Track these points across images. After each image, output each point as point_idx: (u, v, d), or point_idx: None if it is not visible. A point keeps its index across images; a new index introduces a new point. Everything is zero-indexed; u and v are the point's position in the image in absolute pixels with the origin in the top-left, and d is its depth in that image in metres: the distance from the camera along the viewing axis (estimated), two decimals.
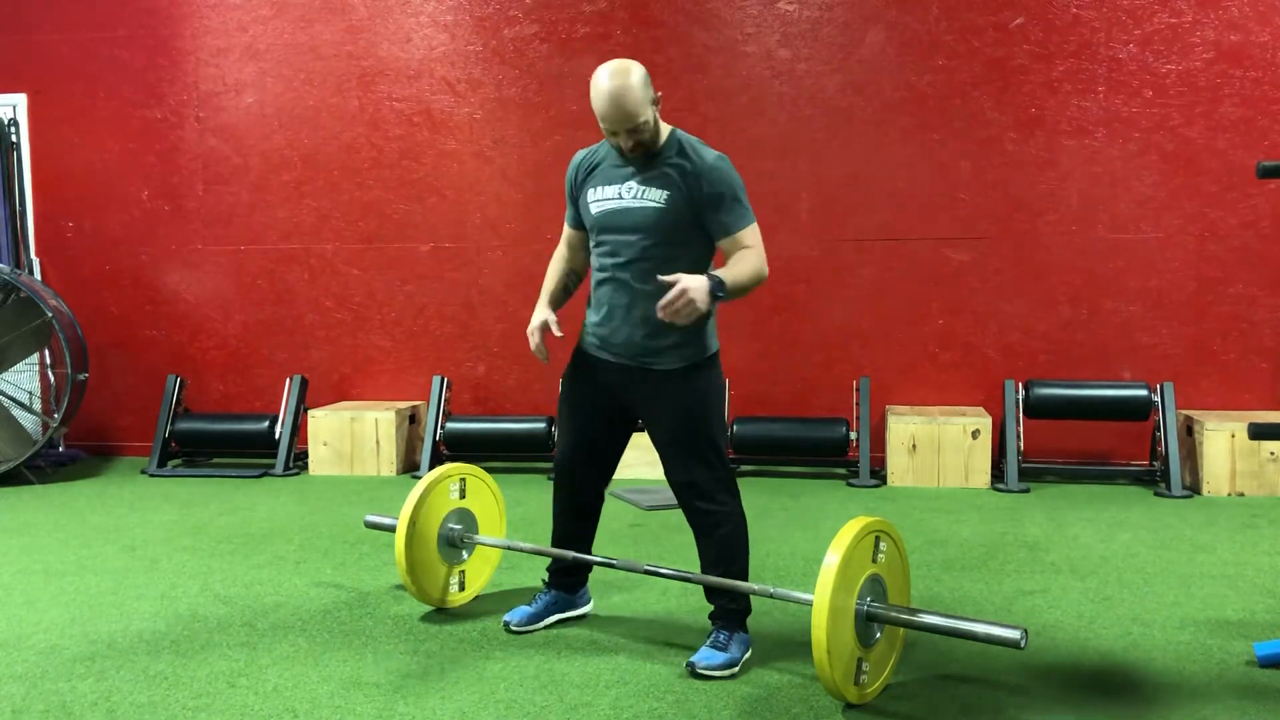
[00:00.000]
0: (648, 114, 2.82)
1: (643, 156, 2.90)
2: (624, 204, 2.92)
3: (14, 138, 6.40)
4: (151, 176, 6.46)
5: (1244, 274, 5.61)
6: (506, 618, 3.26)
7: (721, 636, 2.95)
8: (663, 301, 2.69)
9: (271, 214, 6.37)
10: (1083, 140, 5.69)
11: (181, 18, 6.36)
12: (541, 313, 3.10)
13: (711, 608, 3.05)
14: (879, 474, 5.71)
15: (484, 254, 6.22)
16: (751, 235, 2.89)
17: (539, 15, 6.06)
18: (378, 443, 5.93)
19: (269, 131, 6.34)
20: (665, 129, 2.94)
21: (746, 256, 2.85)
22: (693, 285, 2.67)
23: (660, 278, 2.75)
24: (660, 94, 2.90)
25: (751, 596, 3.02)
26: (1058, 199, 5.73)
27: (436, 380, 6.07)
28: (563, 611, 3.32)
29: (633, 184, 2.92)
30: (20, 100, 6.49)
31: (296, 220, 6.35)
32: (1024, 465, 5.53)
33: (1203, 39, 5.56)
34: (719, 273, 2.76)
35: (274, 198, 6.36)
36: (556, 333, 3.03)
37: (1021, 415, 5.53)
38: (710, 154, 2.91)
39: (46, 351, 6.24)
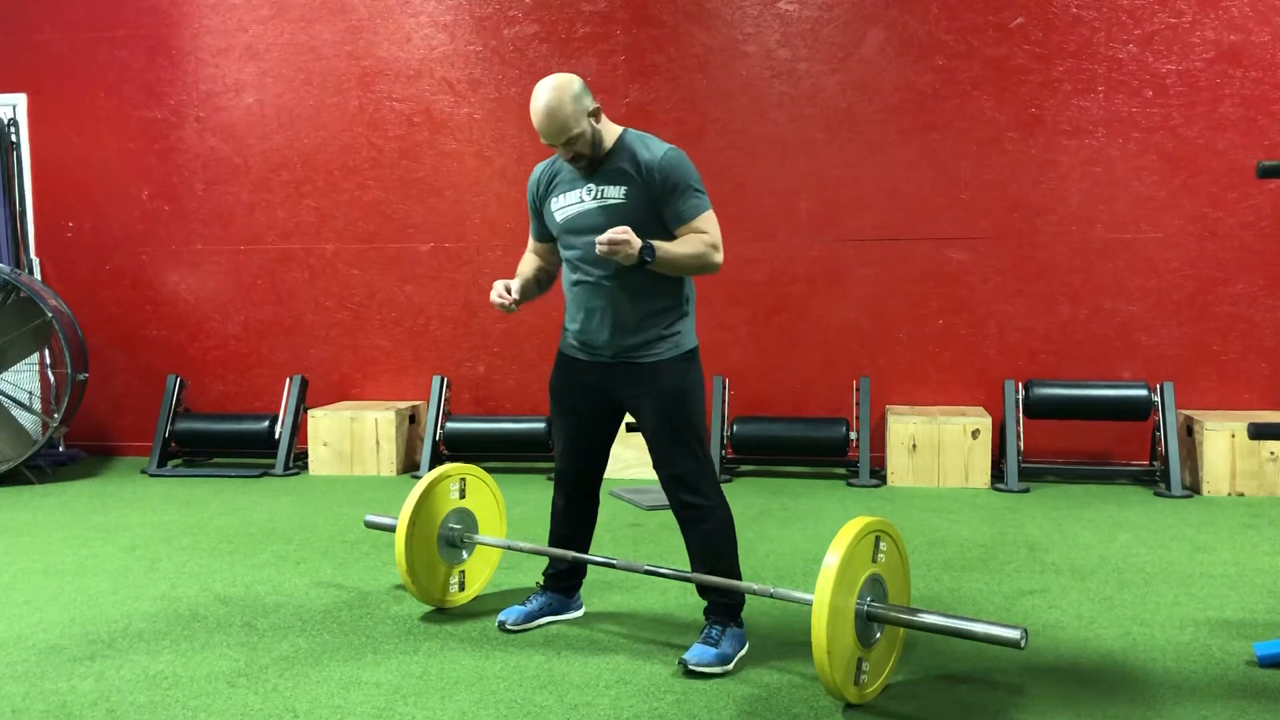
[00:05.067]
0: (581, 126, 2.91)
1: (590, 161, 2.98)
2: (585, 206, 3.00)
3: (14, 138, 6.40)
4: (151, 176, 6.46)
5: (1244, 274, 5.61)
6: (501, 617, 3.28)
7: (714, 632, 2.97)
8: (605, 235, 2.81)
9: (271, 214, 6.37)
10: (1083, 140, 5.69)
11: (181, 18, 6.36)
12: (511, 280, 3.10)
13: (705, 603, 3.07)
14: (879, 474, 5.71)
15: (484, 254, 6.22)
16: (705, 222, 2.97)
17: (539, 15, 6.06)
18: (378, 443, 5.93)
19: (269, 131, 6.34)
20: (615, 131, 3.02)
21: (694, 239, 2.94)
22: (632, 238, 2.81)
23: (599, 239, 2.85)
24: (598, 105, 2.96)
25: (749, 595, 3.03)
26: (1058, 199, 5.73)
27: (436, 380, 6.07)
28: (556, 614, 3.34)
29: (591, 186, 3.00)
30: (20, 100, 6.49)
31: (296, 220, 6.35)
32: (1024, 465, 5.52)
33: (1203, 39, 5.56)
34: (654, 241, 2.87)
35: (274, 198, 6.36)
36: (514, 294, 3.03)
37: (1021, 415, 5.53)
38: (662, 147, 2.98)
39: (46, 351, 6.24)
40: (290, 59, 6.29)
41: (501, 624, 3.25)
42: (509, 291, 3.03)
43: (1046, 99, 5.70)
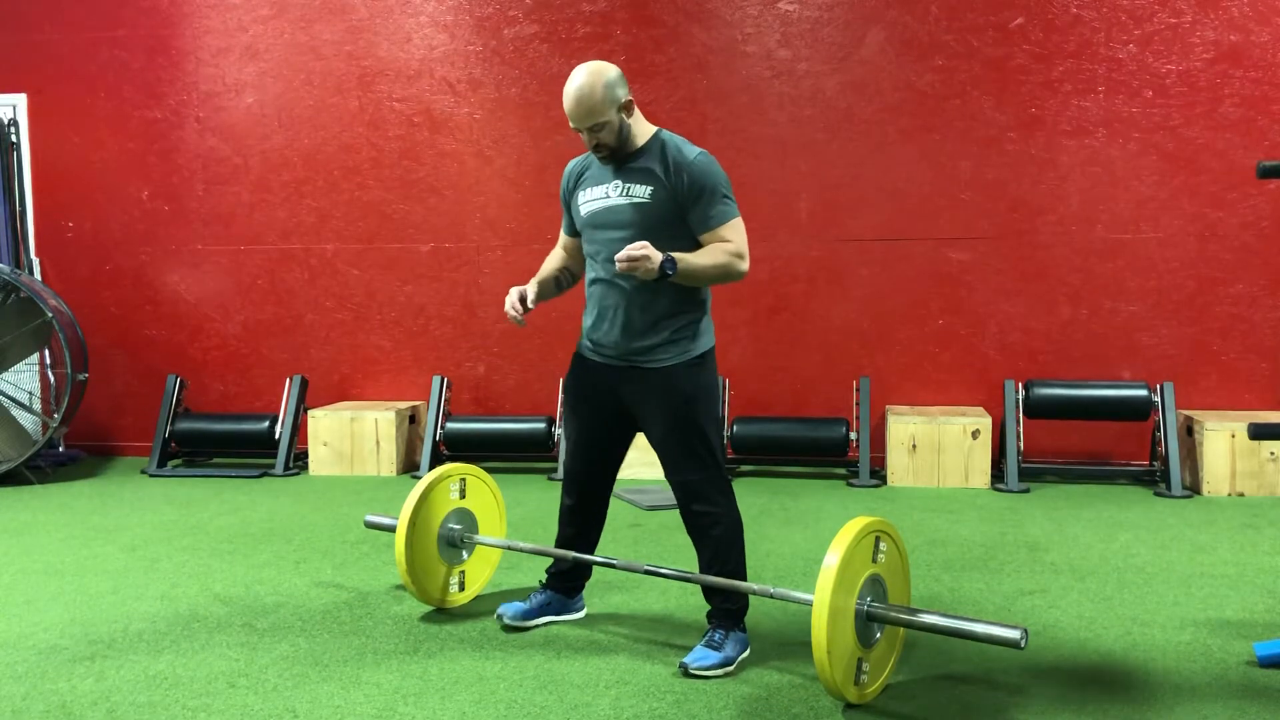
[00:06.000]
0: (609, 115, 2.90)
1: (616, 155, 2.97)
2: (611, 202, 2.99)
3: (14, 138, 6.40)
4: (151, 176, 6.46)
5: (1244, 274, 5.61)
6: (501, 609, 3.28)
7: (717, 636, 2.96)
8: (623, 252, 2.79)
9: (271, 214, 6.37)
10: (1083, 140, 5.69)
11: (181, 18, 6.37)
12: (526, 286, 3.10)
13: (709, 607, 3.06)
14: (879, 474, 5.71)
15: (484, 254, 6.22)
16: (732, 230, 2.94)
17: (539, 15, 6.06)
18: (378, 443, 5.93)
19: (269, 131, 6.34)
20: (649, 130, 3.01)
21: (718, 249, 2.92)
22: (652, 252, 2.78)
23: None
24: (631, 98, 2.94)
25: (751, 596, 3.02)
26: (1058, 199, 5.73)
27: (436, 380, 6.07)
28: (556, 614, 3.33)
29: (618, 182, 2.99)
30: (20, 100, 6.49)
31: (296, 220, 6.35)
32: (1024, 465, 5.53)
33: (1203, 39, 5.56)
34: (675, 254, 2.84)
35: (274, 198, 6.36)
36: (529, 305, 3.04)
37: (1021, 415, 5.53)
38: (693, 150, 2.96)
39: (46, 351, 6.24)
40: (290, 59, 6.29)
41: (499, 616, 3.26)
42: (522, 303, 3.01)
43: (1046, 99, 5.70)
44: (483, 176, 6.19)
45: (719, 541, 2.99)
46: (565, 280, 3.26)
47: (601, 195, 3.01)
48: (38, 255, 6.54)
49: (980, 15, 5.72)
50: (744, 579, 3.03)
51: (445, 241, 6.25)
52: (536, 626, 3.28)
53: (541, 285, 3.16)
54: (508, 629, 3.25)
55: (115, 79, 6.44)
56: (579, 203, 3.08)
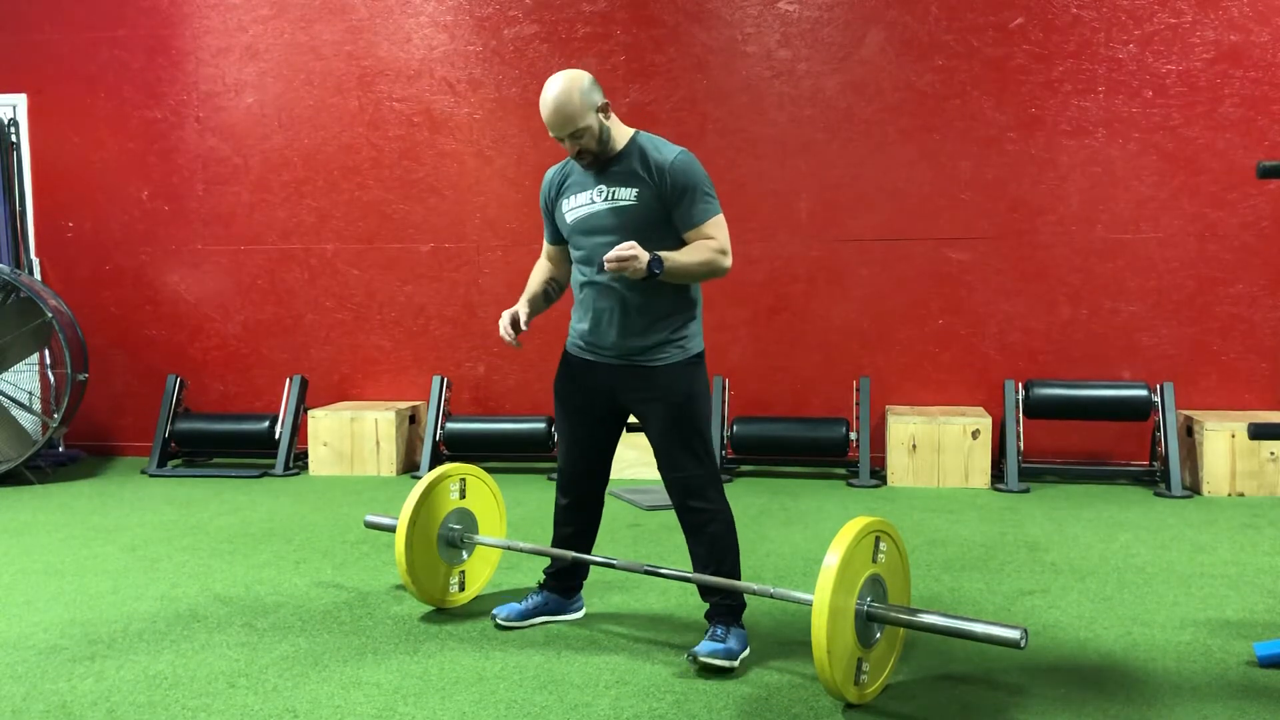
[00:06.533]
0: (588, 121, 2.93)
1: (599, 160, 2.99)
2: (596, 207, 3.01)
3: (14, 138, 6.40)
4: (151, 176, 6.46)
5: (1244, 274, 5.61)
6: (495, 610, 3.30)
7: (719, 631, 2.99)
8: (611, 253, 2.81)
9: (271, 214, 6.37)
10: (1083, 140, 5.69)
11: (181, 18, 6.37)
12: (517, 307, 3.13)
13: (707, 606, 3.09)
14: (879, 474, 5.71)
15: (484, 254, 6.22)
16: (714, 227, 2.98)
17: (539, 15, 6.06)
18: (378, 443, 5.93)
19: (269, 131, 6.34)
20: (627, 132, 3.04)
21: (702, 246, 2.95)
22: (640, 252, 2.81)
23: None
24: (606, 101, 2.98)
25: (749, 595, 3.03)
26: (1058, 199, 5.73)
27: (436, 380, 6.07)
28: (553, 615, 3.34)
29: (602, 187, 3.01)
30: (20, 100, 6.49)
31: (296, 220, 6.35)
32: (1024, 465, 5.53)
33: (1203, 39, 5.56)
34: (662, 253, 2.88)
35: (274, 198, 6.36)
36: (522, 326, 3.07)
37: (1021, 415, 5.53)
38: (672, 151, 2.99)
39: (46, 351, 6.24)
40: (290, 59, 6.29)
41: (494, 617, 3.28)
42: (514, 326, 3.05)
43: (1046, 99, 5.70)
44: (483, 176, 6.19)
45: (714, 538, 3.02)
46: (553, 292, 3.29)
47: (586, 201, 3.03)
48: (38, 255, 6.54)
49: (980, 15, 5.72)
50: (739, 576, 3.06)
51: (445, 241, 6.25)
52: (531, 626, 3.29)
53: (531, 303, 3.19)
54: (502, 628, 3.25)
55: (115, 79, 6.44)
56: (563, 210, 3.10)
